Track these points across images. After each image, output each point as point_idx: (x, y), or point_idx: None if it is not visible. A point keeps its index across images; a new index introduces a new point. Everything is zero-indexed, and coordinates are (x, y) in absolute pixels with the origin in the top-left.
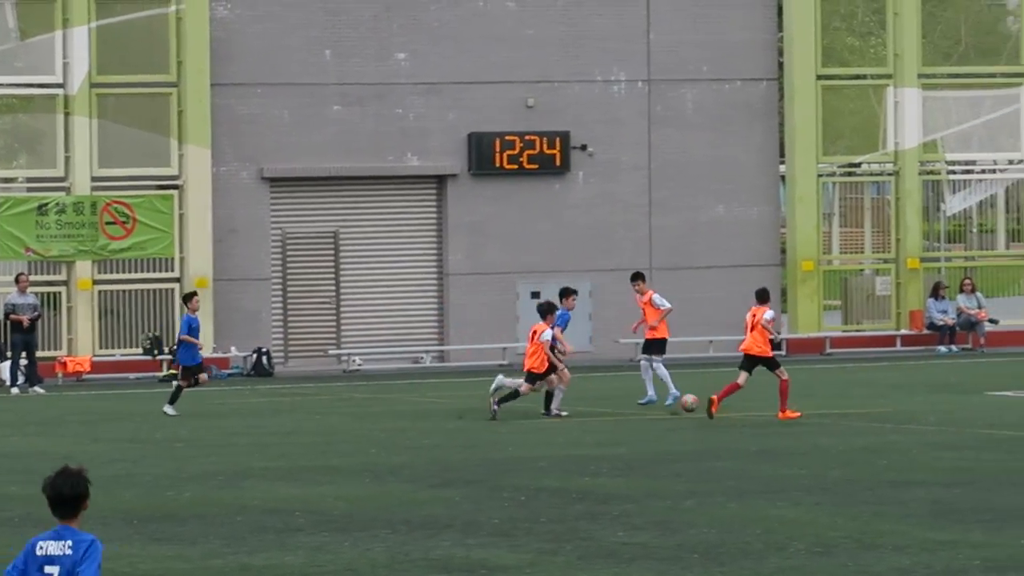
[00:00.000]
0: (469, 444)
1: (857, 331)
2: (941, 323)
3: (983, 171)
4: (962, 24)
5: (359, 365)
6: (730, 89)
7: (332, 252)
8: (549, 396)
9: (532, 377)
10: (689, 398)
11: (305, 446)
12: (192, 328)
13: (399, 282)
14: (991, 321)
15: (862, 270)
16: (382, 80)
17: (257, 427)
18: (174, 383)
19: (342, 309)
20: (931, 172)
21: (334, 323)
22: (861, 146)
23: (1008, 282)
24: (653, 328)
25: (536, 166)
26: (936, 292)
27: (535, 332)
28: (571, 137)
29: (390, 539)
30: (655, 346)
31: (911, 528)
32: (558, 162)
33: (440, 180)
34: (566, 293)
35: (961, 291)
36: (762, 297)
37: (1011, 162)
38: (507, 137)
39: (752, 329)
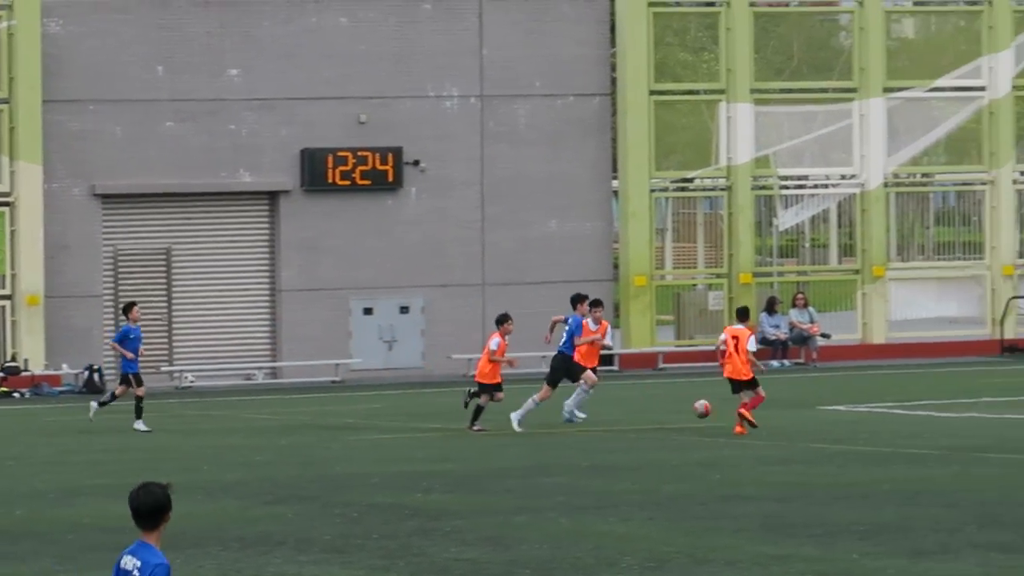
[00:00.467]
0: (302, 461)
1: (690, 346)
2: (774, 338)
3: (815, 186)
4: (795, 39)
5: (191, 382)
6: (563, 104)
7: (164, 269)
8: (479, 410)
9: (484, 388)
10: (701, 404)
11: (137, 463)
12: (129, 338)
13: (231, 298)
14: (823, 336)
15: (695, 285)
16: (215, 96)
17: (89, 445)
18: (119, 398)
19: (174, 326)
20: (763, 187)
21: (166, 340)
22: (694, 161)
23: (840, 297)
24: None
25: (369, 182)
26: (769, 307)
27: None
28: (404, 153)
29: (222, 556)
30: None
31: (743, 542)
32: (391, 178)
33: (273, 196)
34: (579, 299)
35: (794, 306)
36: (743, 316)
37: (843, 177)
38: (340, 153)
39: (736, 353)
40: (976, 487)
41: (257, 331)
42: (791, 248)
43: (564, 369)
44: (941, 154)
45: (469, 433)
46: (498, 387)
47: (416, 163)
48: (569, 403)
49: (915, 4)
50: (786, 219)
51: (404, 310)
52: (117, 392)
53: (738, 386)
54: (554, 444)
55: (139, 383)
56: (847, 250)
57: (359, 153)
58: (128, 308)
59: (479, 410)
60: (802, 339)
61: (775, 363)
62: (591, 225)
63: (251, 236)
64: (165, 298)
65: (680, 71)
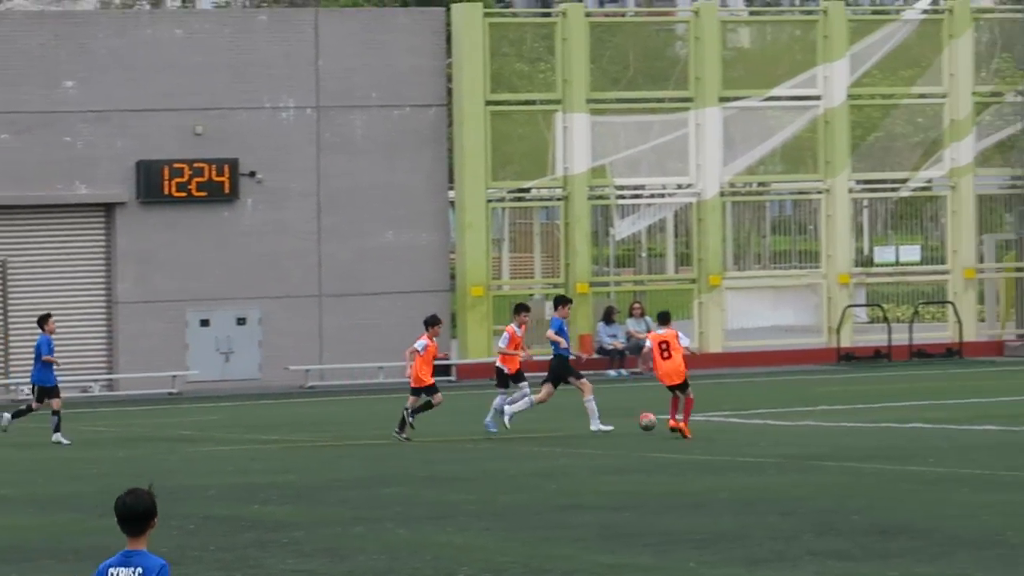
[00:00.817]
0: (138, 473)
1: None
2: (611, 347)
3: (652, 196)
4: (630, 49)
5: (27, 395)
6: (399, 115)
7: (0, 281)
8: (417, 412)
9: (417, 390)
10: (648, 417)
11: None
12: (50, 348)
13: (68, 311)
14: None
15: (532, 295)
16: (50, 108)
17: None
18: (36, 410)
19: (10, 338)
20: (600, 197)
21: (2, 352)
22: (530, 171)
23: (677, 306)
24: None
25: (205, 193)
26: (606, 317)
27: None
28: (240, 164)
29: (57, 569)
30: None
31: (580, 552)
32: (227, 189)
33: (108, 208)
34: (562, 302)
35: (631, 315)
36: (665, 320)
37: (679, 186)
38: (175, 164)
39: (669, 356)
40: (813, 495)
41: (93, 343)
42: (628, 258)
43: (562, 369)
44: (777, 163)
45: (301, 445)
46: (433, 389)
47: (252, 174)
48: (508, 408)
49: (751, 14)
50: (623, 229)
51: (241, 321)
52: (33, 407)
53: (671, 390)
54: (392, 455)
55: (56, 395)
56: (684, 259)
57: (195, 165)
58: (44, 320)
59: (418, 412)
60: (639, 349)
61: (612, 373)
62: (427, 236)
63: (87, 248)
64: (1, 311)
65: (516, 81)
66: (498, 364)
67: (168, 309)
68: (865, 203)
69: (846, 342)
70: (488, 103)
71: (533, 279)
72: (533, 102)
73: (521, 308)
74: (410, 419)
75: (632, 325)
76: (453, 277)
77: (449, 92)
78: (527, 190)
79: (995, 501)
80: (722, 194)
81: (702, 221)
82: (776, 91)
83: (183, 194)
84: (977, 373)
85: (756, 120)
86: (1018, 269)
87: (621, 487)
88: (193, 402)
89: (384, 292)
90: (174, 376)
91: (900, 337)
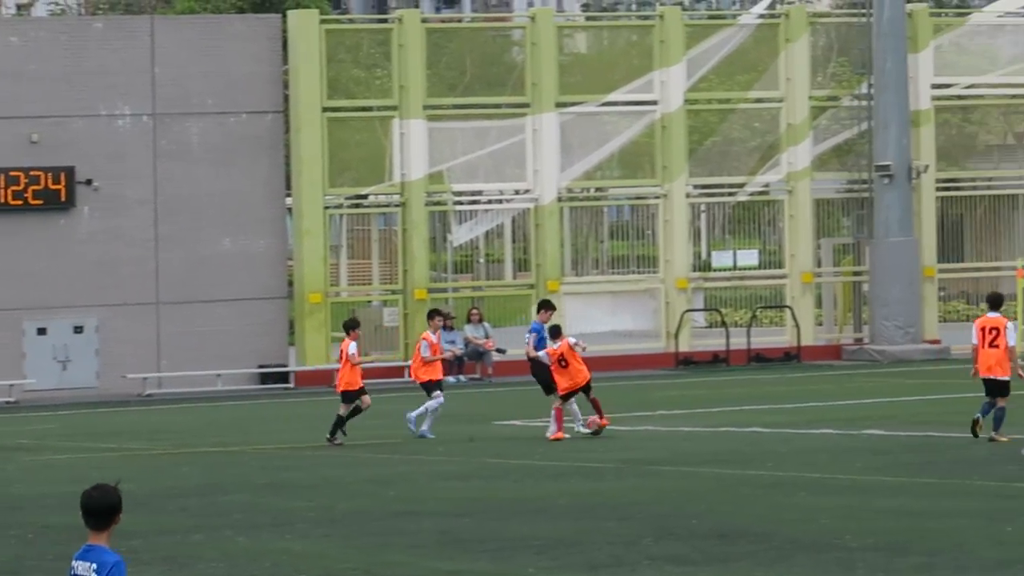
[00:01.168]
0: None
1: (366, 363)
2: (449, 353)
3: (489, 201)
4: (467, 55)
5: None
6: (236, 122)
7: None
8: (340, 421)
9: (346, 396)
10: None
11: None
12: None
13: None
14: (499, 351)
15: (370, 301)
16: None
17: None
18: None
19: None
20: (437, 203)
21: None
22: (368, 178)
23: (515, 311)
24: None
25: (41, 201)
26: (444, 323)
27: (342, 351)
28: (76, 172)
29: None
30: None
31: (419, 558)
32: (63, 197)
33: None
34: (545, 306)
35: (468, 321)
36: (556, 334)
37: (517, 192)
38: (11, 173)
39: (568, 365)
40: (651, 500)
41: None
42: (466, 263)
43: (544, 372)
44: (614, 168)
45: (140, 453)
46: (362, 391)
47: (89, 182)
48: (411, 414)
49: (587, 19)
50: (460, 235)
51: (78, 330)
52: None
53: (574, 393)
54: (231, 463)
55: None
56: (522, 265)
57: (31, 173)
58: None
59: (341, 420)
60: (477, 354)
61: (451, 379)
62: (265, 243)
63: None
64: None
65: (353, 88)
66: (419, 378)
67: (4, 318)
68: (703, 208)
69: (684, 347)
70: (325, 109)
71: (371, 285)
72: (370, 108)
73: (434, 313)
74: (341, 430)
75: (470, 331)
76: (291, 284)
77: (286, 99)
78: (364, 196)
79: (833, 505)
80: (560, 199)
81: (540, 227)
82: (613, 96)
83: (19, 202)
84: (815, 377)
85: (593, 125)
86: (855, 273)
87: (460, 493)
88: (30, 411)
89: (222, 299)
90: (11, 385)
91: (738, 341)
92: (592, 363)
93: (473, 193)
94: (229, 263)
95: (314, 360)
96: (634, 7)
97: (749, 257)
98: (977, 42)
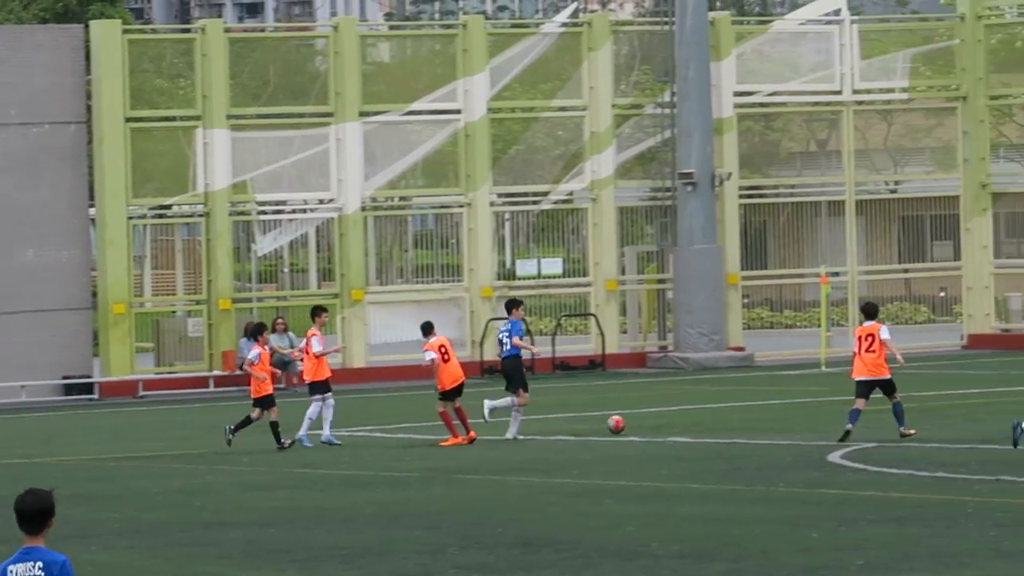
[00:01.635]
0: None
1: (170, 373)
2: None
3: (294, 211)
4: (271, 65)
5: None
6: (38, 133)
7: None
8: (275, 426)
9: (258, 402)
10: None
11: None
12: None
13: None
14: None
15: (174, 312)
16: None
17: None
18: None
19: None
20: (241, 213)
21: None
22: (172, 188)
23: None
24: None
25: None
26: (249, 332)
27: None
28: None
29: None
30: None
31: (226, 569)
32: None
33: None
34: (515, 304)
35: (274, 331)
36: (426, 330)
37: (321, 201)
38: None
39: (451, 360)
40: (457, 509)
41: None
42: (270, 273)
43: (516, 369)
44: (419, 177)
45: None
46: (271, 400)
47: None
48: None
49: (391, 28)
50: (264, 244)
51: None
52: None
53: (455, 391)
54: (34, 473)
55: None
56: (326, 274)
57: None
58: None
59: (247, 421)
60: (283, 364)
61: None
62: (69, 253)
63: None
64: None
65: (156, 98)
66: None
67: None
68: (507, 216)
69: (490, 355)
70: (128, 120)
71: (175, 296)
72: (173, 118)
73: (319, 310)
74: (277, 438)
75: (275, 341)
76: (95, 295)
77: (89, 109)
78: (168, 207)
79: (639, 512)
80: (364, 209)
81: (344, 236)
82: (416, 105)
83: None
84: (620, 385)
85: (397, 134)
86: (660, 281)
87: (267, 503)
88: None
89: (26, 310)
90: None
91: (543, 350)
92: (398, 372)
93: (277, 203)
94: (33, 274)
95: (118, 371)
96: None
97: (553, 265)
98: (779, 50)
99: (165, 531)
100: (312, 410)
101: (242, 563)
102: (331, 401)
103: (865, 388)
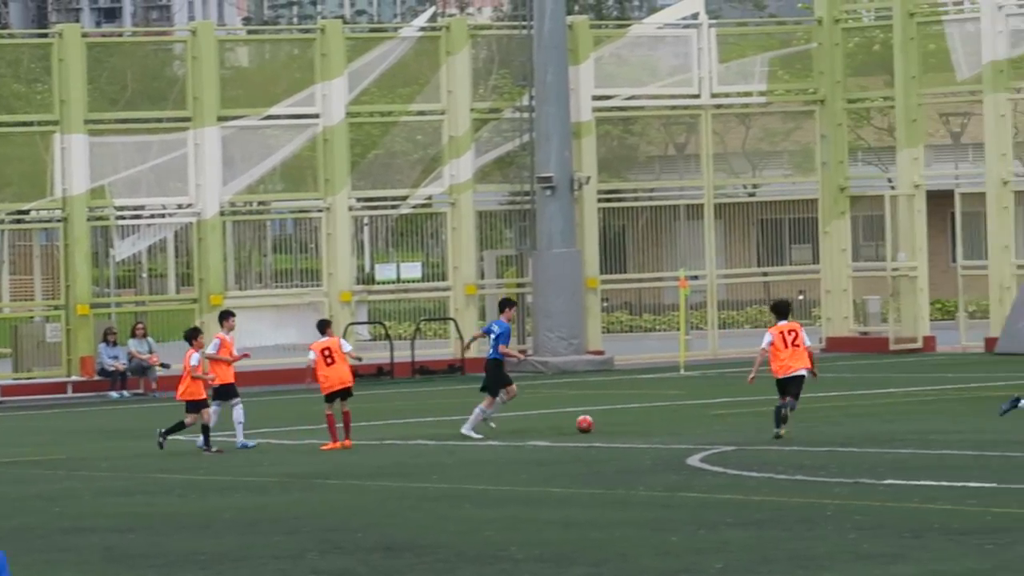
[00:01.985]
0: None
1: (28, 379)
2: (112, 368)
3: (152, 216)
4: (129, 69)
5: None
6: None
7: None
8: (206, 429)
9: (190, 406)
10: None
11: None
12: None
13: None
14: (163, 365)
15: (32, 317)
16: None
17: None
18: None
19: None
20: (100, 218)
21: None
22: (30, 193)
23: (179, 326)
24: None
25: None
26: (107, 337)
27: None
28: None
29: None
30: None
31: (85, 574)
32: None
33: None
34: (508, 305)
35: (132, 336)
36: (323, 327)
37: (180, 206)
38: None
39: (333, 362)
40: (317, 514)
41: None
42: (129, 278)
43: (496, 375)
44: (277, 182)
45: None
46: (205, 403)
47: None
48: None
49: (249, 33)
50: (123, 249)
51: None
52: None
53: (338, 394)
54: None
55: None
56: (185, 279)
57: None
58: None
59: (180, 426)
60: (141, 369)
61: (115, 394)
62: None
63: None
64: None
65: (14, 102)
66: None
67: None
68: (366, 221)
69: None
70: None
71: (34, 301)
72: (31, 123)
73: (227, 314)
74: (206, 443)
75: (134, 346)
76: None
77: None
78: (26, 212)
79: (498, 516)
80: (222, 213)
81: (203, 240)
82: (275, 110)
83: None
84: (477, 389)
85: (255, 139)
86: (519, 285)
87: (126, 509)
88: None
89: None
90: None
91: (402, 354)
92: (256, 377)
93: (135, 208)
94: None
95: None
96: (296, 20)
97: (413, 270)
98: (637, 53)
99: (23, 537)
100: (237, 413)
101: (101, 569)
102: (240, 405)
103: (794, 386)
